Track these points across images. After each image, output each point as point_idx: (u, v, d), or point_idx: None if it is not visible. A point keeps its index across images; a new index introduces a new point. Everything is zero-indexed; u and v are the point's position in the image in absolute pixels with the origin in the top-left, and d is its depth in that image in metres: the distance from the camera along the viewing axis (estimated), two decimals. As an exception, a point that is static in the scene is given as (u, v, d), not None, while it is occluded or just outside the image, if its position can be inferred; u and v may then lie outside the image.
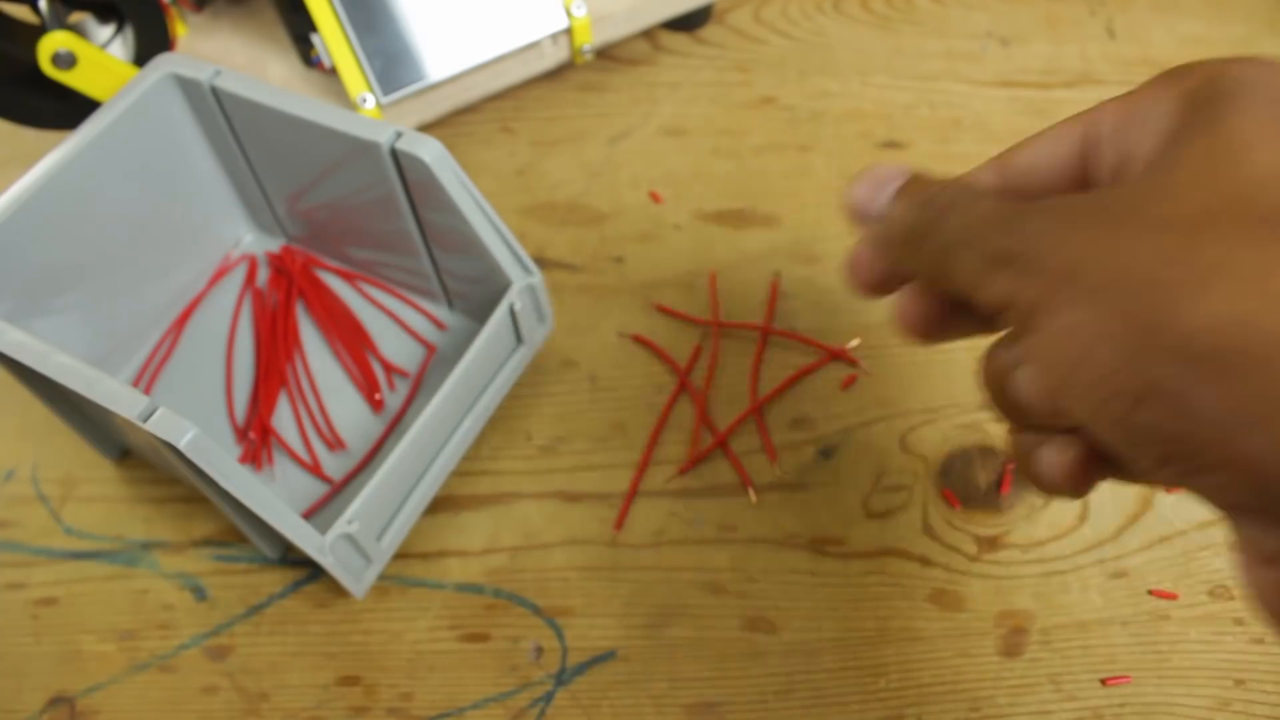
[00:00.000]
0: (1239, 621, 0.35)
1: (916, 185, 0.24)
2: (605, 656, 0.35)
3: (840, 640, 0.35)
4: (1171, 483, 0.19)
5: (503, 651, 0.36)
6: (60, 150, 0.36)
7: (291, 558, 0.38)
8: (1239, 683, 0.34)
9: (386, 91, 0.45)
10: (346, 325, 0.43)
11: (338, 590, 0.37)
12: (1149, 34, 0.52)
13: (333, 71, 0.46)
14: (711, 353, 0.42)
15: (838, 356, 0.41)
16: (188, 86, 0.38)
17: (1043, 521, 0.37)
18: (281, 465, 0.40)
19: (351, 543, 0.33)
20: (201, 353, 0.43)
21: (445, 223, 0.36)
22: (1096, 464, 0.23)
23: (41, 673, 0.36)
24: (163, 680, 0.36)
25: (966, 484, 0.38)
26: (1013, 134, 0.49)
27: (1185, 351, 0.17)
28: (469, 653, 0.36)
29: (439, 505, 0.39)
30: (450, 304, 0.43)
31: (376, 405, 0.41)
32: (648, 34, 0.54)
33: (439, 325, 0.43)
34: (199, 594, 0.37)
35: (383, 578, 0.37)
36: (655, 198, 0.47)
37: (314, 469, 0.39)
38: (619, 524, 0.38)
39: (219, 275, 0.45)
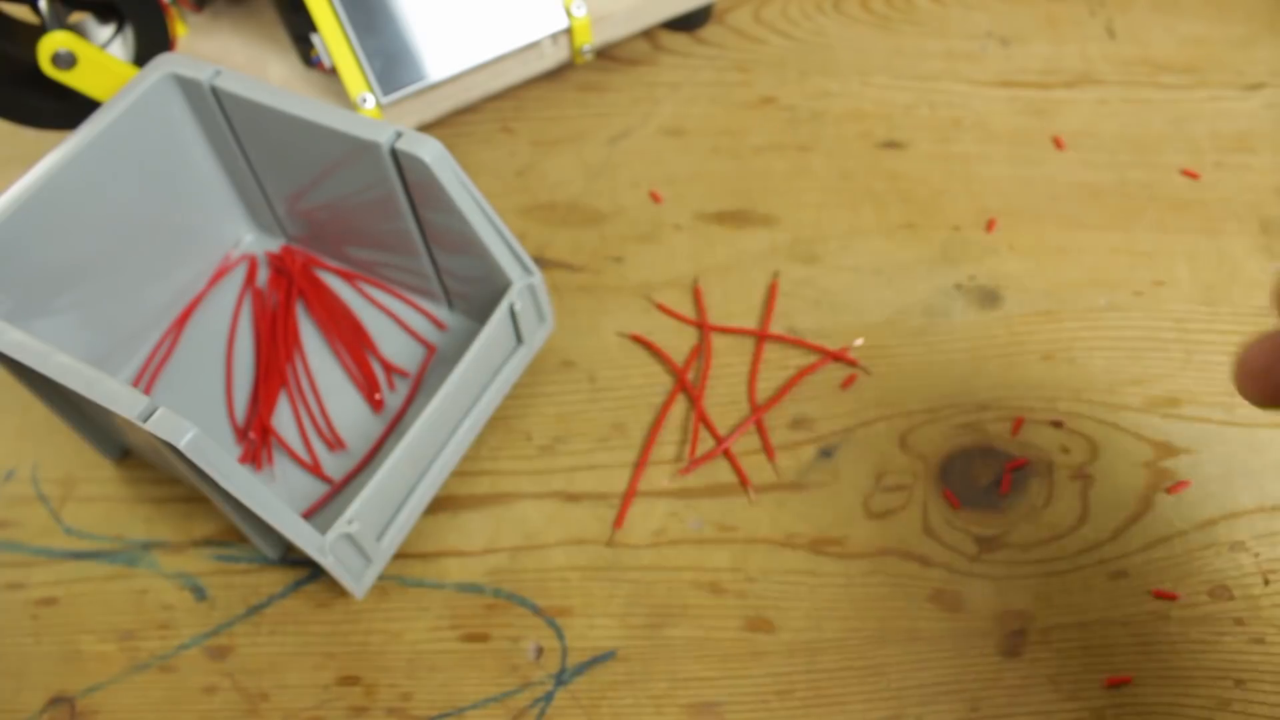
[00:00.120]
0: (1239, 622, 0.35)
1: None
2: (605, 656, 0.35)
3: (840, 640, 0.35)
4: None
5: (503, 651, 0.36)
6: (60, 150, 0.36)
7: (291, 558, 0.38)
8: (1239, 683, 0.34)
9: (386, 91, 0.45)
10: (346, 325, 0.43)
11: (338, 590, 0.37)
12: (1149, 34, 0.52)
13: (333, 71, 0.46)
14: (704, 359, 0.42)
15: (837, 358, 0.41)
16: (188, 86, 0.38)
17: (1043, 521, 0.37)
18: (281, 465, 0.40)
19: (351, 543, 0.33)
20: (201, 353, 0.43)
21: (445, 223, 0.36)
22: None
23: (41, 673, 0.36)
24: (163, 680, 0.36)
25: (966, 484, 0.38)
26: (1012, 134, 0.49)
27: None
28: (469, 653, 0.36)
29: (439, 505, 0.39)
30: (450, 304, 0.43)
31: (376, 405, 0.41)
32: (648, 34, 0.54)
33: (439, 325, 0.43)
34: (199, 594, 0.37)
35: (383, 578, 0.37)
36: (655, 198, 0.47)
37: (314, 469, 0.39)
38: (618, 524, 0.38)
39: (219, 275, 0.45)
